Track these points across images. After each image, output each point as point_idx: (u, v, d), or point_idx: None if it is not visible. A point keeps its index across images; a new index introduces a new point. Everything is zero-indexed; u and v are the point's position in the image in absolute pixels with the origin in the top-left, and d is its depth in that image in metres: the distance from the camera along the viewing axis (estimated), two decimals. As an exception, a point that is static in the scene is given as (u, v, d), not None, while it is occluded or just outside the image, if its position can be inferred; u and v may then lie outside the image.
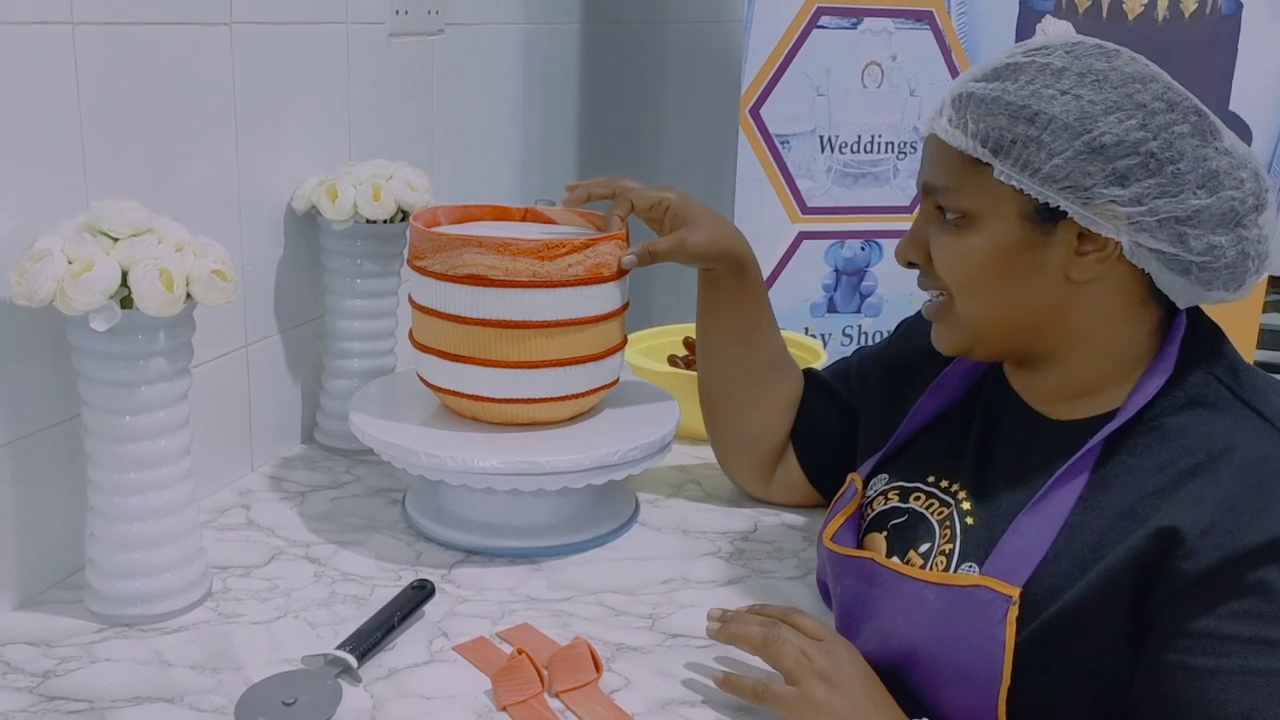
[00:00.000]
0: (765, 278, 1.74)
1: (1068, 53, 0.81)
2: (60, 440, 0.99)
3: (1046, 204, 0.80)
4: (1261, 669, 0.72)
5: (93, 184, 1.00)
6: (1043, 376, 0.88)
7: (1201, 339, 0.84)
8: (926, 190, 0.87)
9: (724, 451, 1.22)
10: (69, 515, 1.01)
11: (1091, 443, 0.82)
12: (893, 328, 1.16)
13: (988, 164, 0.81)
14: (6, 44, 0.90)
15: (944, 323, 0.90)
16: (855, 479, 0.99)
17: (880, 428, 1.03)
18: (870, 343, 1.78)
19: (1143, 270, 0.82)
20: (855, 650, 0.86)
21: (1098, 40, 0.83)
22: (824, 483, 1.16)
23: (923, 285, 0.91)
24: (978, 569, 0.83)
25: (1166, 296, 0.84)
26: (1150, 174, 0.78)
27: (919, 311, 1.10)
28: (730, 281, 1.13)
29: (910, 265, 0.90)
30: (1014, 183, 0.80)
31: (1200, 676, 0.73)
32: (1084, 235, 0.80)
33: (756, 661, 0.90)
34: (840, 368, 1.18)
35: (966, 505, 0.89)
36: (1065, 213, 0.80)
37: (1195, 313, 0.86)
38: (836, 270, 1.78)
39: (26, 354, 0.95)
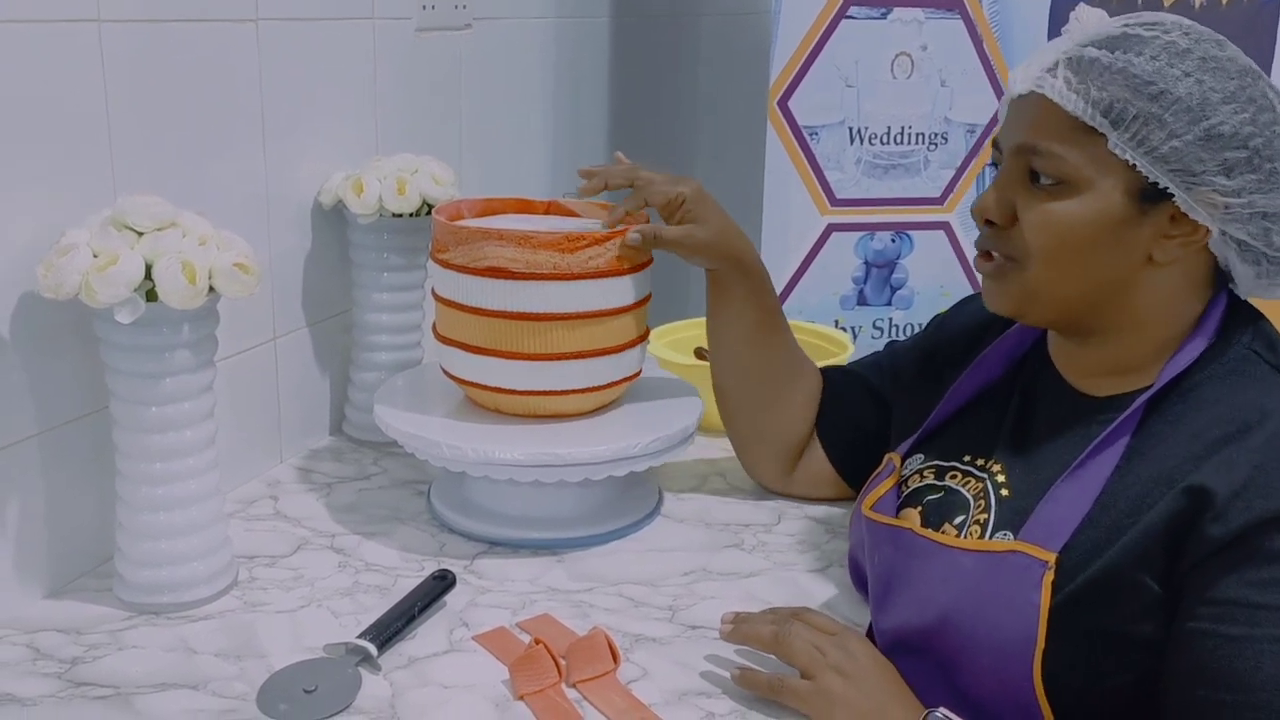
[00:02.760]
0: (794, 271, 1.75)
1: (1186, 34, 0.80)
2: (89, 432, 1.01)
3: (1154, 184, 0.79)
4: None
5: (120, 180, 1.01)
6: (1087, 350, 0.88)
7: (1240, 315, 0.85)
8: (1019, 150, 0.83)
9: (742, 448, 1.21)
10: (98, 505, 1.02)
11: (1128, 410, 0.82)
12: (924, 320, 1.15)
13: (1100, 134, 0.79)
14: (35, 42, 0.92)
15: (1002, 282, 0.87)
16: (893, 457, 0.99)
17: (916, 412, 1.02)
18: (901, 336, 1.77)
19: (1213, 256, 0.82)
20: (868, 642, 0.86)
21: (1205, 27, 0.82)
22: (853, 474, 1.16)
23: (989, 246, 0.88)
24: (1012, 537, 0.84)
25: (1223, 281, 0.85)
26: (1252, 169, 0.78)
27: (951, 307, 1.11)
28: (736, 283, 1.13)
29: (987, 223, 0.87)
30: (1126, 157, 0.79)
31: (1230, 644, 0.73)
32: (1175, 218, 0.80)
33: (774, 659, 0.89)
34: (871, 360, 1.18)
35: (1001, 479, 0.89)
36: (1167, 194, 0.79)
37: (1236, 296, 0.87)
38: (866, 263, 1.77)
39: (55, 347, 0.97)
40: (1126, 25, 0.81)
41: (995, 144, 0.88)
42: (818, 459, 1.18)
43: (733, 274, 1.12)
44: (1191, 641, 0.75)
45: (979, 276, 0.91)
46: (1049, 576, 0.79)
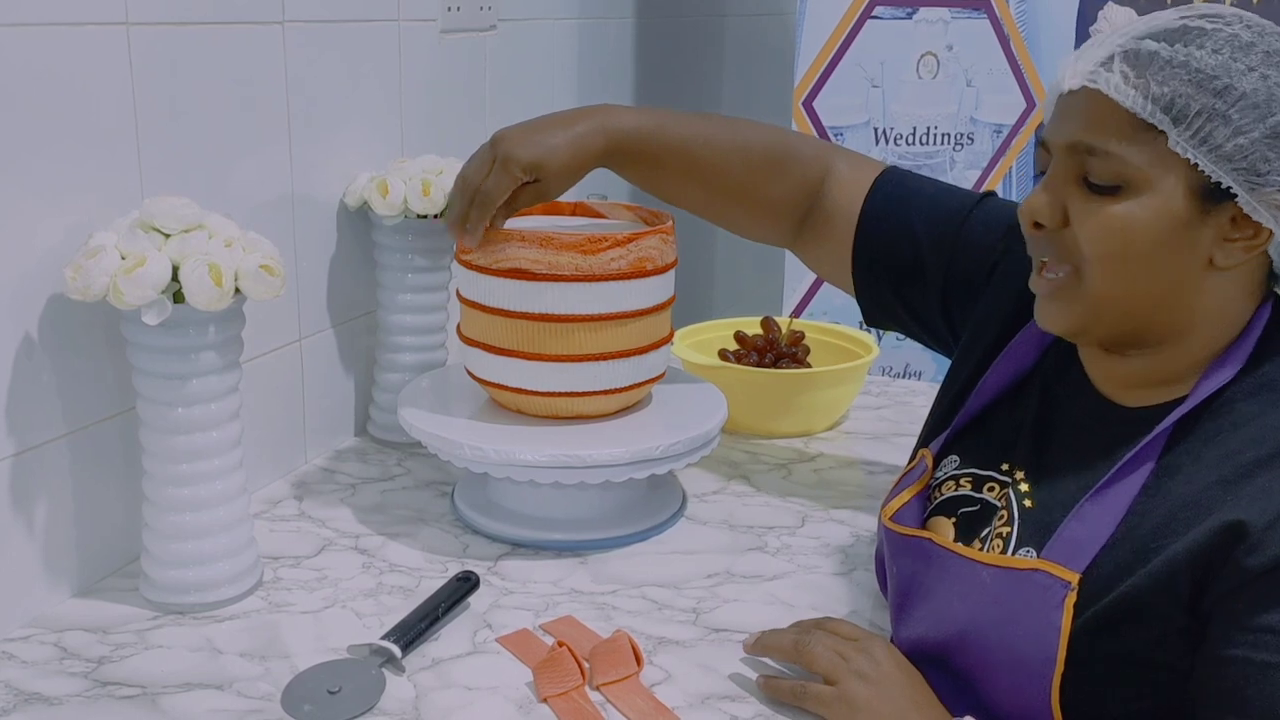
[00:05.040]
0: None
1: (1249, 26, 0.76)
2: (116, 432, 1.02)
3: (1216, 183, 0.75)
4: None
5: (148, 182, 1.02)
6: (1129, 363, 0.84)
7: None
8: (1072, 149, 0.79)
9: (743, 235, 1.19)
10: (126, 505, 1.03)
11: (1160, 428, 0.79)
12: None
13: (1160, 131, 0.75)
14: (63, 45, 0.93)
15: (1062, 300, 0.82)
16: (926, 455, 0.95)
17: (937, 291, 1.02)
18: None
19: (1268, 260, 0.79)
20: (893, 647, 0.85)
21: (1269, 21, 0.79)
22: (866, 289, 1.10)
23: (1042, 254, 0.83)
24: (1035, 554, 0.82)
25: (1271, 291, 0.81)
26: None
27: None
28: (620, 169, 1.10)
29: (1036, 228, 0.82)
30: (1188, 155, 0.75)
31: (1266, 671, 0.71)
32: (1236, 220, 0.76)
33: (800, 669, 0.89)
34: (953, 211, 1.05)
35: (1024, 487, 0.87)
36: (1230, 194, 0.75)
37: (1276, 304, 0.83)
38: (892, 263, 1.76)
39: (83, 348, 0.98)
40: (1185, 18, 0.77)
41: (1043, 144, 0.83)
42: (836, 235, 1.09)
43: (603, 165, 1.09)
44: (1224, 668, 0.73)
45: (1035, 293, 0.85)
46: (1071, 598, 0.77)
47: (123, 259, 0.89)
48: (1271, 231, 0.76)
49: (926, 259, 1.04)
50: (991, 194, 1.08)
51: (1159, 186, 0.76)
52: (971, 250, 1.02)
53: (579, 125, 1.06)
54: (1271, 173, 0.74)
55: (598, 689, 0.88)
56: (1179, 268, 0.78)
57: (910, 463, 0.99)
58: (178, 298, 0.91)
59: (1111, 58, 0.77)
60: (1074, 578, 0.78)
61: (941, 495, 0.93)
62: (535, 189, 1.06)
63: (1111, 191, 0.78)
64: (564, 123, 1.06)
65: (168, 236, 0.92)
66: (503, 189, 1.04)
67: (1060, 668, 0.77)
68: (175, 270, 0.90)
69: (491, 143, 1.06)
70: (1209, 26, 0.76)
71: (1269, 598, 0.71)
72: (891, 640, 0.92)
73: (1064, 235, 0.81)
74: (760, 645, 0.90)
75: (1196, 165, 0.75)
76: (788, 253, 1.71)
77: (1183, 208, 0.76)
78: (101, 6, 0.96)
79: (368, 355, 1.38)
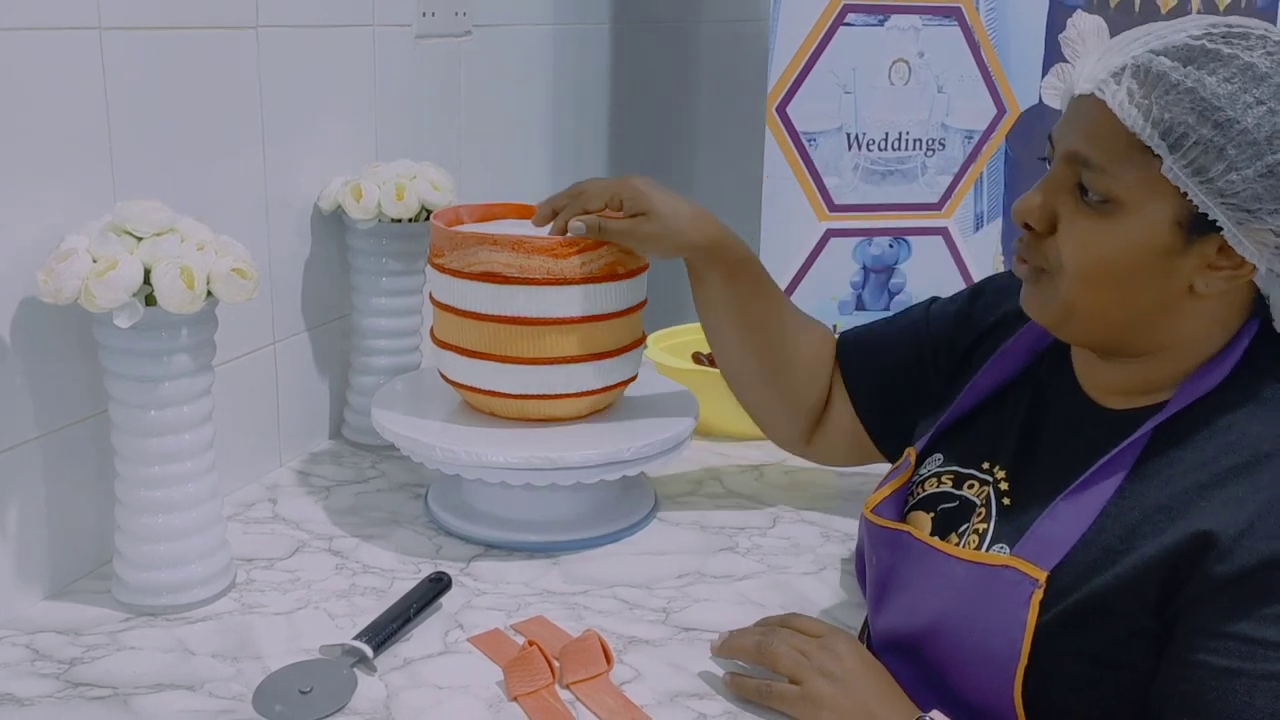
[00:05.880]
0: (793, 275, 1.76)
1: (1269, 54, 0.74)
2: (89, 435, 1.02)
3: (1204, 215, 0.74)
4: None
5: (120, 186, 1.02)
6: (1116, 369, 0.85)
7: (1269, 342, 0.82)
8: (1070, 158, 0.79)
9: (757, 419, 1.18)
10: (98, 508, 1.03)
11: (1138, 433, 0.80)
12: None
13: (1156, 155, 0.74)
14: (36, 50, 0.93)
15: (1040, 289, 0.83)
16: (910, 453, 0.97)
17: (939, 394, 1.01)
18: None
19: (1255, 287, 0.79)
20: (857, 643, 0.87)
21: None
22: (884, 433, 1.11)
23: (1025, 253, 0.84)
24: (1009, 550, 0.83)
25: (1259, 307, 0.81)
26: None
27: (991, 276, 1.06)
28: (707, 269, 1.10)
29: (1026, 227, 0.82)
30: (1180, 184, 0.74)
31: (1227, 678, 0.72)
32: (1223, 249, 0.76)
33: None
34: (913, 320, 1.09)
35: (1004, 485, 0.88)
36: (1216, 226, 0.75)
37: (1268, 320, 0.83)
38: (865, 268, 1.78)
39: (55, 351, 0.98)
40: (1209, 35, 0.75)
41: (1050, 139, 0.83)
42: (841, 421, 1.13)
43: (700, 261, 1.09)
44: (1186, 671, 0.73)
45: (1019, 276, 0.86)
46: (1038, 595, 0.78)
47: (94, 262, 0.90)
48: (1255, 266, 0.76)
49: (926, 372, 1.06)
50: (935, 298, 1.12)
51: (1146, 211, 0.76)
52: (944, 327, 1.05)
53: (702, 209, 1.09)
54: (1261, 210, 0.73)
55: (568, 687, 0.89)
56: (1157, 291, 0.78)
57: (896, 460, 1.00)
58: (150, 301, 0.91)
59: (1123, 69, 0.76)
60: (1042, 575, 0.79)
61: (923, 491, 0.94)
62: (644, 230, 1.06)
63: (1101, 208, 0.77)
64: (690, 202, 1.09)
65: (140, 240, 0.93)
66: (600, 187, 1.07)
67: (1024, 662, 0.78)
68: (147, 273, 0.91)
69: (632, 198, 1.07)
70: (1226, 51, 0.74)
71: (1236, 606, 0.72)
72: (867, 631, 0.93)
73: (1048, 241, 0.81)
74: (726, 647, 0.92)
75: (1186, 195, 0.74)
76: (762, 254, 1.73)
77: (1166, 235, 0.76)
78: (74, 11, 0.96)
79: (343, 358, 1.38)
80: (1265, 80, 0.73)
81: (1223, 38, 0.75)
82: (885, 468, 1.03)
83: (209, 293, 0.93)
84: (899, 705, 0.83)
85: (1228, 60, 0.74)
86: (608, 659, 0.91)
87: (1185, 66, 0.74)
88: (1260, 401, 0.78)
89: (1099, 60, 0.78)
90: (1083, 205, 0.78)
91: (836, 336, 1.15)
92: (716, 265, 1.09)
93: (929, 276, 1.79)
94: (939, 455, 0.96)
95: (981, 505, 0.88)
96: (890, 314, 1.15)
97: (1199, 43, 0.75)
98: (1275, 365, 0.80)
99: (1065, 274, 0.80)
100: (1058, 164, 0.80)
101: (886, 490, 0.95)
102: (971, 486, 0.91)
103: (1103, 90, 0.76)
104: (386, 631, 0.94)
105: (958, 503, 0.90)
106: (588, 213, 1.07)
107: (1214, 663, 0.72)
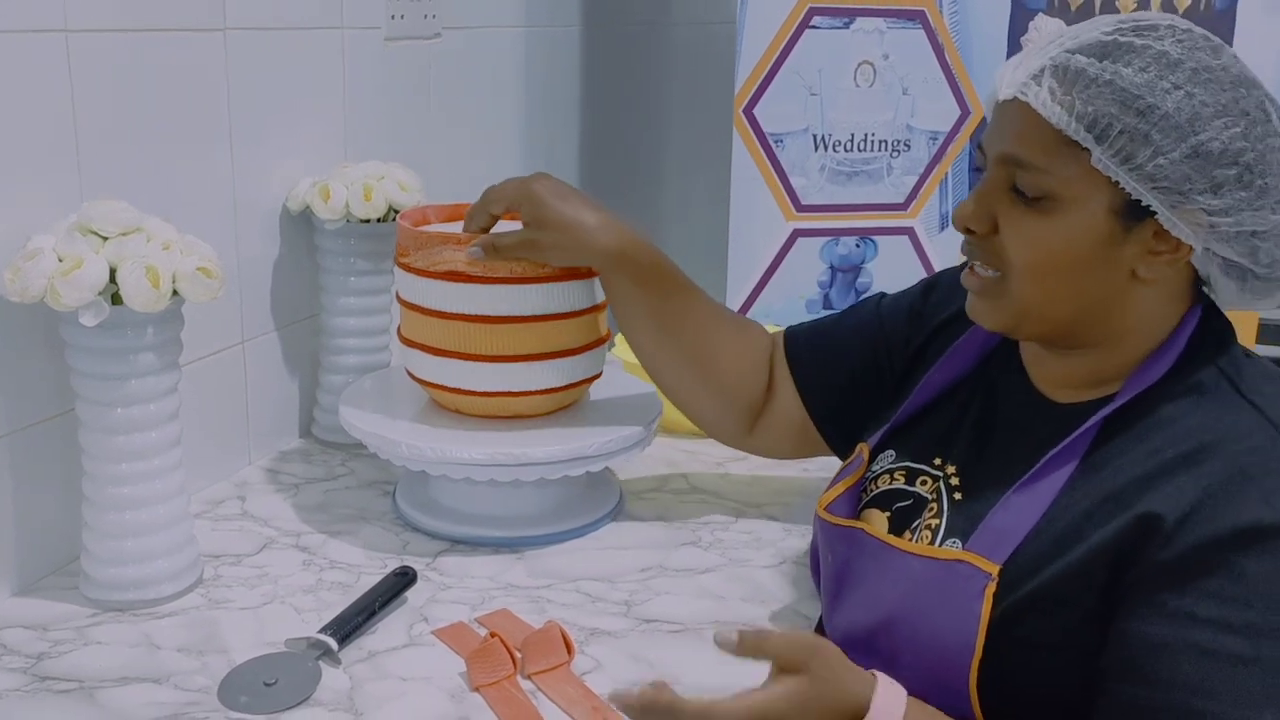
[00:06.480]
0: (761, 275, 1.78)
1: (1179, 41, 0.77)
2: (56, 433, 1.03)
3: (1137, 201, 0.77)
4: (1218, 649, 0.72)
5: (87, 186, 1.03)
6: (1065, 362, 0.86)
7: (1211, 330, 0.84)
8: (1003, 160, 0.81)
9: (690, 417, 1.18)
10: (66, 505, 1.04)
11: (1086, 425, 0.82)
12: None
13: (1085, 148, 0.77)
14: (2, 52, 0.94)
15: (991, 299, 0.85)
16: (864, 449, 0.98)
17: (892, 391, 1.02)
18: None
19: (1195, 270, 0.81)
20: (823, 691, 0.77)
21: (1203, 30, 0.79)
22: (834, 425, 1.11)
23: (973, 256, 0.85)
24: (961, 545, 0.84)
25: (1202, 293, 0.83)
26: (1243, 186, 0.76)
27: (942, 272, 1.07)
28: (615, 275, 1.09)
29: (967, 232, 0.84)
30: (1111, 174, 0.76)
31: (1156, 648, 0.74)
32: (1159, 234, 0.78)
33: (747, 668, 0.78)
34: (865, 317, 1.10)
35: (955, 481, 0.89)
36: (1151, 211, 0.77)
37: (1210, 307, 0.86)
38: (832, 267, 1.80)
39: (23, 350, 0.99)
40: (1119, 30, 0.78)
41: (980, 148, 0.85)
42: (787, 415, 1.12)
43: (606, 268, 1.09)
44: (1121, 641, 0.76)
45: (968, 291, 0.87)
46: (991, 588, 0.80)
47: (60, 261, 0.91)
48: (1192, 247, 0.79)
49: (880, 369, 1.06)
50: (884, 294, 1.12)
51: (1083, 203, 0.78)
52: (896, 324, 1.05)
53: (607, 215, 1.08)
54: (1192, 191, 0.76)
55: (529, 678, 0.91)
56: (1102, 281, 0.80)
57: (848, 457, 1.01)
58: (116, 299, 0.93)
59: (1042, 71, 0.78)
60: (995, 569, 0.80)
61: (876, 488, 0.95)
62: (540, 240, 1.06)
63: (1038, 205, 0.79)
64: (595, 207, 1.08)
65: (105, 239, 0.94)
66: (504, 192, 1.08)
67: (979, 654, 0.80)
68: (113, 272, 0.92)
69: (528, 208, 1.07)
70: (1139, 42, 0.77)
71: (1173, 582, 0.74)
72: (823, 628, 0.95)
73: (993, 241, 0.83)
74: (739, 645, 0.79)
75: (1119, 183, 0.77)
76: (730, 255, 1.76)
77: (1105, 225, 0.78)
78: (40, 14, 0.97)
79: (312, 357, 1.39)
80: (1179, 66, 0.76)
81: (1133, 31, 0.78)
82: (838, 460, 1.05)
83: (174, 292, 0.94)
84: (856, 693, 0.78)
85: (1140, 51, 0.76)
86: (569, 649, 0.93)
87: (1101, 61, 0.77)
88: (1202, 391, 0.80)
89: (1018, 66, 0.81)
90: (1020, 203, 0.80)
91: (783, 332, 1.15)
92: (623, 271, 1.09)
93: (895, 275, 1.81)
94: (891, 452, 0.97)
95: (933, 501, 0.90)
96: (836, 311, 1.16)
97: (1111, 38, 0.77)
98: (1216, 353, 0.82)
99: (1014, 271, 0.82)
100: (991, 168, 0.83)
101: (840, 488, 0.96)
102: (924, 483, 0.92)
103: (1025, 93, 0.78)
104: (351, 625, 0.96)
105: (911, 500, 0.92)
106: (492, 221, 1.09)
107: (1147, 633, 0.74)
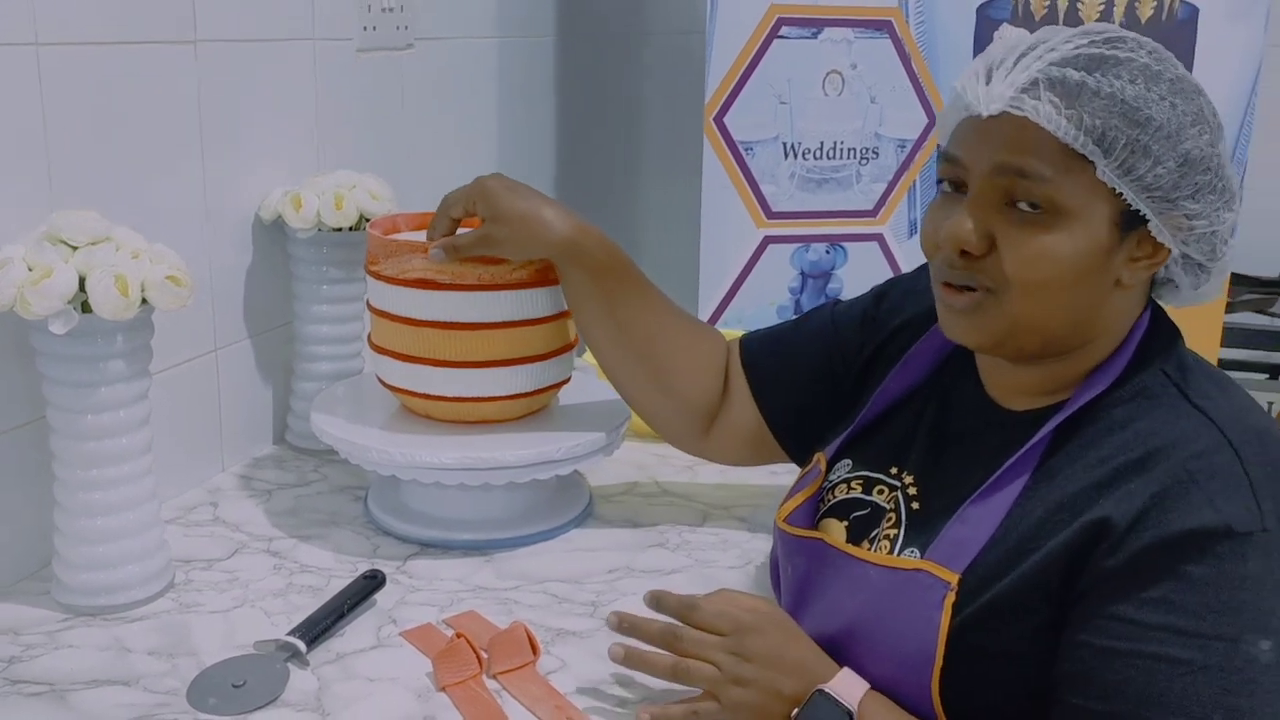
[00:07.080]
0: (732, 282, 1.80)
1: (1150, 53, 0.79)
2: (28, 440, 1.04)
3: (1135, 211, 0.79)
4: (1166, 656, 0.73)
5: (57, 197, 1.05)
6: (1021, 371, 0.86)
7: (1159, 335, 0.85)
8: (1000, 171, 0.79)
9: (643, 417, 1.18)
10: (38, 511, 1.05)
11: (1040, 434, 0.83)
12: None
13: (1088, 161, 0.77)
14: (-28, 65, 0.96)
15: (978, 318, 0.83)
16: (821, 459, 0.98)
17: (848, 399, 1.03)
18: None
19: (1152, 272, 0.83)
20: (765, 626, 0.87)
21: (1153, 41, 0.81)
22: (791, 434, 1.11)
23: (960, 278, 0.83)
24: (919, 555, 0.85)
25: (1148, 299, 0.85)
26: (1213, 190, 0.79)
27: (894, 279, 1.08)
28: (570, 268, 1.09)
29: (963, 254, 0.82)
30: (1114, 185, 0.77)
31: (1105, 657, 0.75)
32: (1140, 241, 0.80)
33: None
34: (819, 325, 1.10)
35: (913, 490, 0.90)
36: (1143, 220, 0.79)
37: (1157, 311, 0.87)
38: (802, 273, 1.82)
39: (-6, 358, 1.01)
40: (1094, 42, 0.79)
41: (950, 160, 0.83)
42: (742, 422, 1.12)
43: (561, 260, 1.09)
44: (1071, 652, 0.77)
45: (943, 307, 0.85)
46: (950, 597, 0.81)
47: (30, 270, 0.92)
48: (1170, 250, 0.81)
49: (836, 377, 1.06)
50: (838, 301, 1.13)
51: (1087, 215, 0.78)
52: (850, 331, 1.06)
53: (563, 210, 1.09)
54: (1180, 198, 0.78)
55: (495, 677, 0.93)
56: (1095, 290, 0.81)
57: (806, 467, 1.02)
58: (85, 308, 0.94)
59: (1035, 84, 0.77)
60: (954, 578, 0.81)
61: (834, 498, 0.96)
62: (494, 235, 1.07)
63: (1040, 219, 0.79)
64: (550, 202, 1.09)
65: (75, 249, 0.95)
66: (459, 194, 1.09)
67: (939, 663, 0.81)
68: (82, 281, 0.93)
69: (483, 204, 1.08)
70: (1122, 55, 0.78)
71: (1118, 589, 0.76)
72: None
73: (988, 261, 0.81)
74: (634, 661, 0.90)
75: (1120, 194, 0.78)
76: (702, 262, 1.78)
77: (1106, 235, 0.79)
78: (10, 28, 0.99)
79: (285, 365, 1.41)
80: (1160, 77, 0.78)
81: (1106, 43, 0.79)
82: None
83: (144, 300, 0.95)
84: (816, 674, 0.84)
85: (1126, 63, 0.78)
86: (534, 649, 0.95)
87: (1094, 74, 0.77)
88: (1150, 397, 0.82)
89: (995, 83, 0.79)
90: (1019, 218, 0.79)
91: (739, 339, 1.15)
92: (578, 263, 1.09)
93: (865, 281, 1.81)
94: (848, 461, 0.97)
95: (891, 510, 0.91)
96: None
97: (1096, 50, 0.78)
98: (1163, 357, 0.84)
99: (1011, 287, 0.80)
100: (982, 183, 0.80)
101: (799, 498, 0.96)
102: (881, 492, 0.93)
103: (1020, 107, 0.78)
104: (320, 627, 0.97)
105: (869, 509, 0.93)
106: (454, 226, 1.11)
107: (1095, 643, 0.76)
